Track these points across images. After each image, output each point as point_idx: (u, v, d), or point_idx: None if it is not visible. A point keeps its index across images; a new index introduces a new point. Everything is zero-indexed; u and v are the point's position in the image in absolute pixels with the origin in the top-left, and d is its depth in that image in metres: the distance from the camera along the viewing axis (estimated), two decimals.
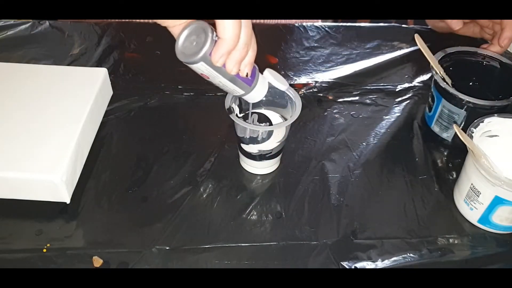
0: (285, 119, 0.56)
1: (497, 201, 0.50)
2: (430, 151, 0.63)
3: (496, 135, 0.56)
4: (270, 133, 0.53)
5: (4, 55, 0.75)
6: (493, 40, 0.72)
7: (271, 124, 0.57)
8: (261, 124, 0.56)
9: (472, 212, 0.53)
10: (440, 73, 0.61)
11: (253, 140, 0.54)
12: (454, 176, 0.60)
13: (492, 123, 0.55)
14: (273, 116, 0.57)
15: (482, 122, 0.55)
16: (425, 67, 0.77)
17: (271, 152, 0.56)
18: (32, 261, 0.49)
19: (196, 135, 0.64)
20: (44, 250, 0.50)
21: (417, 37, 0.63)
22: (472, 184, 0.52)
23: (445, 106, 0.61)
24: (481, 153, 0.51)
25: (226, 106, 0.53)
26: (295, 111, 0.53)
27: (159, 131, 0.65)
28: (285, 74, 0.75)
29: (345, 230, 0.53)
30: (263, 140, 0.54)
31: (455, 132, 0.61)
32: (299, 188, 0.57)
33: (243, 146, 0.56)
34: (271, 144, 0.55)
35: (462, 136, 0.52)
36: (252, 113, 0.57)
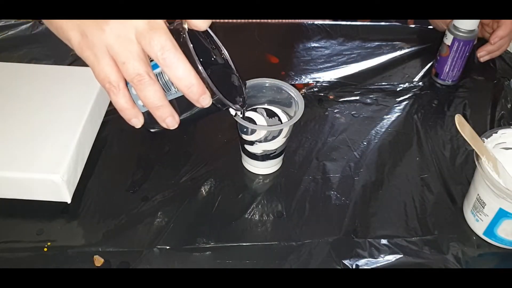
0: (289, 116, 0.56)
1: (502, 214, 0.49)
2: (430, 150, 0.63)
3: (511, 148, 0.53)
4: (280, 131, 0.53)
5: (5, 55, 0.75)
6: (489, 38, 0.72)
7: (279, 119, 0.56)
8: (270, 119, 0.56)
9: (478, 224, 0.52)
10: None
11: (263, 139, 0.54)
12: (455, 175, 0.60)
13: (507, 135, 0.53)
14: (277, 111, 0.57)
15: (496, 133, 0.52)
16: (425, 66, 0.77)
17: (275, 152, 0.56)
18: (33, 260, 0.49)
19: (197, 134, 0.64)
20: (45, 249, 0.50)
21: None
22: (478, 194, 0.51)
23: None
24: (483, 151, 0.49)
25: (233, 113, 0.53)
26: (298, 110, 0.53)
27: (160, 130, 0.64)
28: (286, 73, 0.75)
29: (346, 229, 0.53)
30: (274, 138, 0.54)
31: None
32: (300, 188, 0.57)
33: (247, 147, 0.56)
34: (277, 143, 0.55)
35: (464, 132, 0.48)
36: (259, 108, 0.57)
